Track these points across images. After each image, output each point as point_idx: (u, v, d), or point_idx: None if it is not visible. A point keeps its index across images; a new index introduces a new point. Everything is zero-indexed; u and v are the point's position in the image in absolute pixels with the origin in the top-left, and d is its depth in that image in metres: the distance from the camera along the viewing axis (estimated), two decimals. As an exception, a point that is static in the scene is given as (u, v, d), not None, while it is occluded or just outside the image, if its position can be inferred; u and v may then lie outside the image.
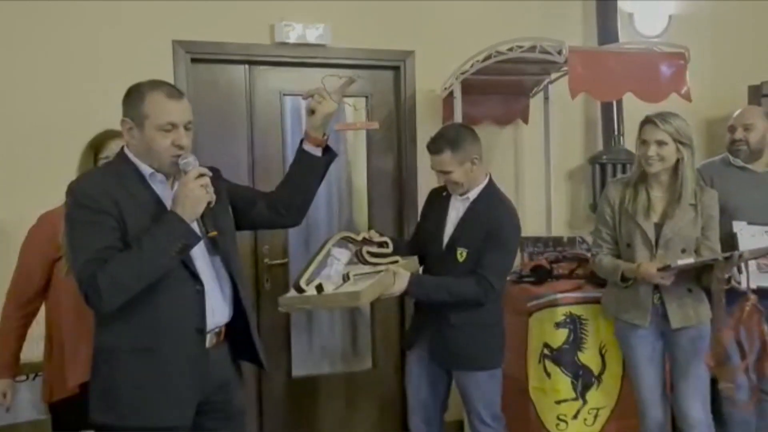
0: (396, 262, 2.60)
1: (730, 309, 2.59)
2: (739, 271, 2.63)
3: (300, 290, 2.31)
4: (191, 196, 1.84)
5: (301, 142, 2.20)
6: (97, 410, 1.93)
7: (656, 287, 2.71)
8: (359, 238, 2.58)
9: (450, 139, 2.62)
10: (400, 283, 2.50)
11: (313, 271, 2.38)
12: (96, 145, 2.42)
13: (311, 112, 2.14)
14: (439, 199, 2.80)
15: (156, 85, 1.92)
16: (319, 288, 2.32)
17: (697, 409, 2.74)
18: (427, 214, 2.85)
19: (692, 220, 2.71)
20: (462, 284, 2.59)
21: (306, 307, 2.53)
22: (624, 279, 2.75)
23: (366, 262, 2.56)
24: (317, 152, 2.17)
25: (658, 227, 2.72)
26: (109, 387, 1.90)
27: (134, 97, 1.91)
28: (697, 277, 2.72)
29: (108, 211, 1.82)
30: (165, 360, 1.88)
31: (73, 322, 2.32)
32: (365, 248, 2.58)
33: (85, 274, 1.78)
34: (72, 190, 1.88)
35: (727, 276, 2.61)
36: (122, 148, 1.98)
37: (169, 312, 1.89)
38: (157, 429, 1.89)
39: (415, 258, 2.72)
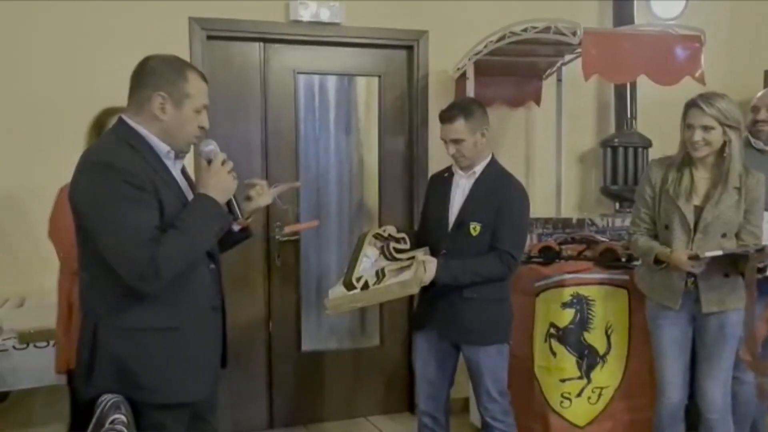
0: (413, 257, 2.64)
1: (762, 299, 2.56)
2: None
3: (351, 287, 2.42)
4: (224, 185, 1.90)
5: None
6: (109, 388, 1.82)
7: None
8: (386, 234, 2.67)
9: (463, 107, 2.72)
10: (431, 271, 2.55)
11: (360, 268, 2.50)
12: (99, 125, 2.45)
13: (248, 197, 2.19)
14: (441, 181, 2.85)
15: (188, 64, 1.94)
16: (365, 285, 2.42)
17: (717, 392, 2.73)
18: (431, 199, 2.89)
19: (735, 204, 2.65)
20: (486, 263, 2.62)
21: (356, 306, 2.59)
22: (657, 261, 2.72)
23: (394, 259, 2.65)
24: (235, 227, 2.16)
25: (698, 210, 2.66)
26: (129, 366, 1.83)
27: (174, 73, 1.86)
28: (734, 262, 2.65)
29: (147, 188, 1.78)
30: (188, 338, 1.89)
31: None
32: (392, 245, 2.67)
33: (145, 255, 1.72)
34: (109, 163, 1.77)
35: (762, 265, 2.57)
36: (124, 120, 1.87)
37: (190, 291, 1.89)
38: (180, 405, 1.90)
39: (427, 249, 2.76)
